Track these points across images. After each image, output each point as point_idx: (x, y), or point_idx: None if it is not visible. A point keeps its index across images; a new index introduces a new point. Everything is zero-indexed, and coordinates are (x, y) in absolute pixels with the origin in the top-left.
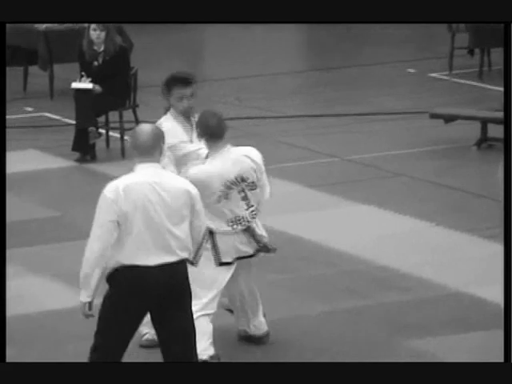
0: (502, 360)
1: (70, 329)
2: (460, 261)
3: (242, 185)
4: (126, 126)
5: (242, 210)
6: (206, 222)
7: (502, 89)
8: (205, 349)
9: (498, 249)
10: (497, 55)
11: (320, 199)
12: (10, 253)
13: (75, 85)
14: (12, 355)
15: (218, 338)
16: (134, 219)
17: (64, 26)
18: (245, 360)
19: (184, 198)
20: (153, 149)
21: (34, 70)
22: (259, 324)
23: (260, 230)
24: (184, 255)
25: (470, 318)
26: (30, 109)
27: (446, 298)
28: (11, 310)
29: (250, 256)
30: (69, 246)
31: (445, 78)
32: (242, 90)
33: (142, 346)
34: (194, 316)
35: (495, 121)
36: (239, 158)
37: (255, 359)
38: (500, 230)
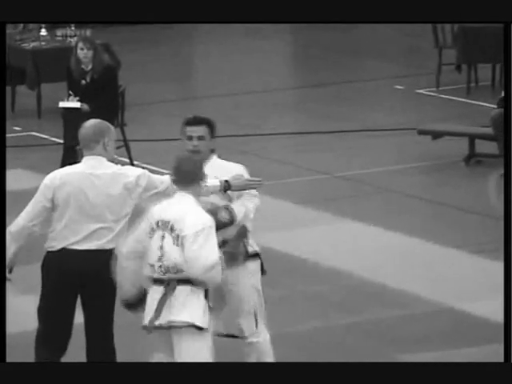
0: None
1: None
2: (450, 276)
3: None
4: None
5: None
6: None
7: (488, 105)
8: None
9: (487, 264)
10: (484, 71)
11: (310, 216)
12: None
13: (63, 104)
14: None
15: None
16: (66, 207)
17: (51, 46)
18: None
19: (120, 186)
20: (93, 142)
21: (21, 89)
22: None
23: None
24: (110, 246)
25: (462, 334)
26: (18, 128)
27: (437, 314)
28: (10, 328)
29: None
30: None
31: (432, 94)
32: (231, 107)
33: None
34: None
35: (483, 137)
36: None
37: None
38: (490, 246)
